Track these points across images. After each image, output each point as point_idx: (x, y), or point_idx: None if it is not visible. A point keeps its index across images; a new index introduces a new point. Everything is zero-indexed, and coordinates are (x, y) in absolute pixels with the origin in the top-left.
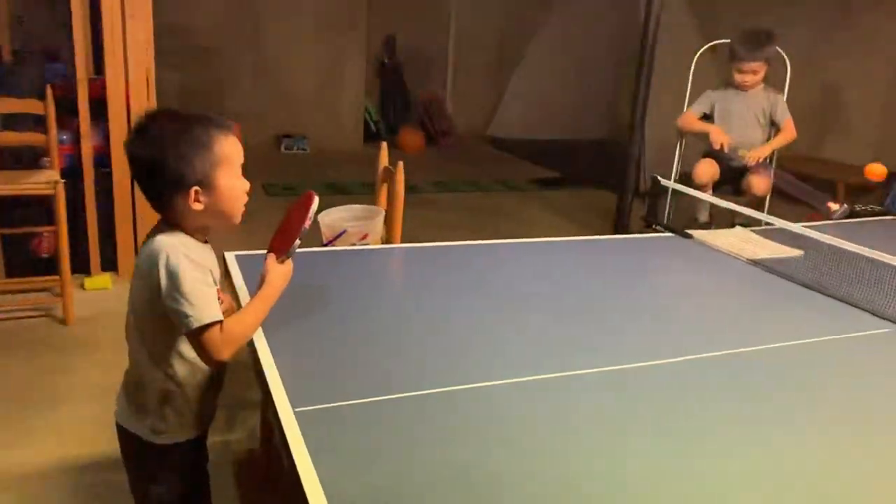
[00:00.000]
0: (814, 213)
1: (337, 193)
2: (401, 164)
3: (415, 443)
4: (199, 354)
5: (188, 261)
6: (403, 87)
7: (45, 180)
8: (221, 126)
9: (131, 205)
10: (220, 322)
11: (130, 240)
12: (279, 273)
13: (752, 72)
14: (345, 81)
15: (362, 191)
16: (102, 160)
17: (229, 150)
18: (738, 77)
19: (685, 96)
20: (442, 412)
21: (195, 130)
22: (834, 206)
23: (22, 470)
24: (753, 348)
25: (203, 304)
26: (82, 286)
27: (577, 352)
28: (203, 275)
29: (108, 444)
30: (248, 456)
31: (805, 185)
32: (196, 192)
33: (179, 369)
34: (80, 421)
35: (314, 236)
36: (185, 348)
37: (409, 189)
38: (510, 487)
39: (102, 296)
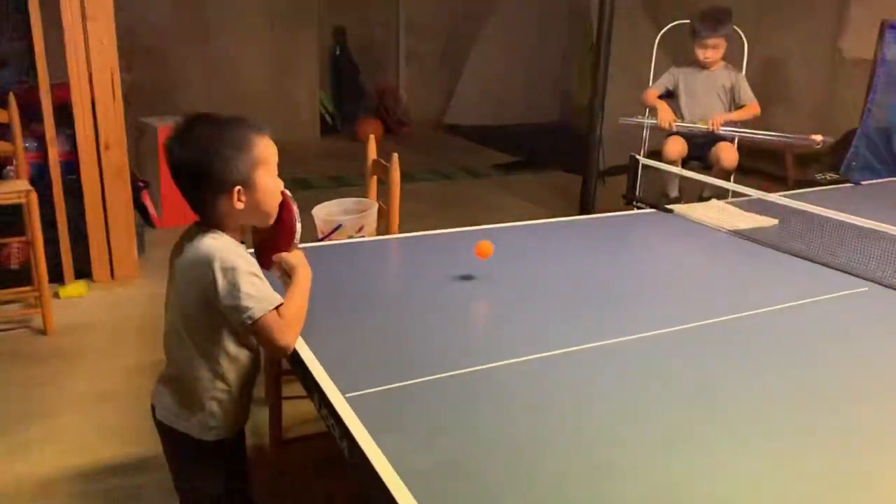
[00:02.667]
0: (766, 184)
1: (304, 188)
2: (395, 155)
3: (467, 417)
4: (265, 345)
5: (241, 259)
6: (357, 78)
7: (15, 190)
8: (257, 127)
9: (102, 211)
10: (279, 306)
11: (104, 246)
12: (303, 261)
13: (714, 47)
14: (298, 75)
15: (327, 184)
16: (68, 167)
17: (266, 151)
18: (700, 53)
19: (639, 77)
20: (485, 388)
21: (235, 132)
22: (818, 138)
23: (22, 482)
24: (749, 313)
25: (262, 295)
26: (56, 295)
27: (595, 325)
28: (256, 270)
29: (107, 452)
30: (258, 451)
31: (778, 133)
32: (238, 191)
33: (226, 366)
34: (76, 430)
35: (308, 232)
36: (231, 346)
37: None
38: (558, 452)
39: (78, 304)
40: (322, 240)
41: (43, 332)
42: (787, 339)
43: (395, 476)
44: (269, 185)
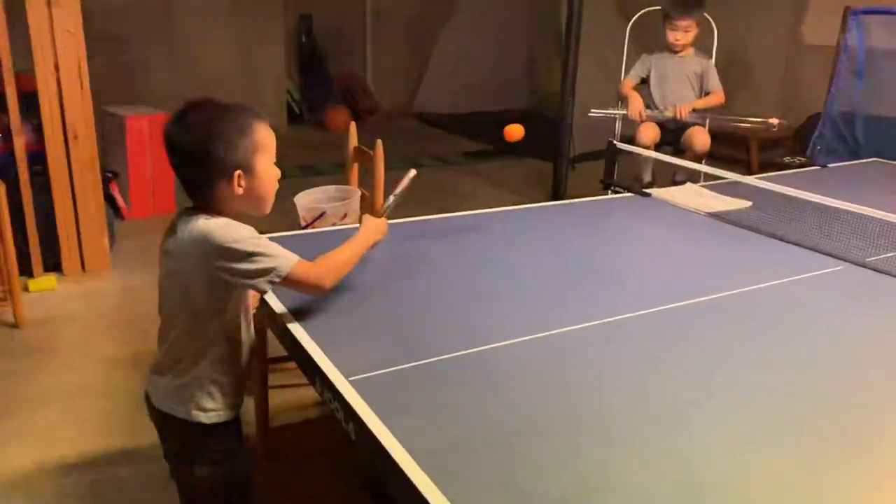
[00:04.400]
0: (731, 168)
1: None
2: (379, 142)
3: (470, 397)
4: (304, 290)
5: (243, 228)
6: (323, 66)
7: None
8: (257, 113)
9: (72, 202)
10: (300, 259)
11: (74, 237)
12: (370, 224)
13: (685, 29)
14: (264, 63)
15: (298, 173)
16: (35, 158)
17: (266, 136)
18: (671, 35)
19: (607, 65)
20: (484, 369)
21: (236, 116)
22: (774, 121)
23: (4, 476)
24: (732, 292)
25: (278, 252)
26: (26, 288)
27: (585, 307)
28: (258, 234)
29: (89, 445)
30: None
31: (739, 117)
32: (239, 175)
33: (227, 349)
34: (57, 423)
35: (291, 220)
36: (232, 328)
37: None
38: (560, 429)
39: (49, 297)
40: (306, 227)
41: (14, 325)
42: (772, 318)
43: (407, 455)
44: (268, 171)
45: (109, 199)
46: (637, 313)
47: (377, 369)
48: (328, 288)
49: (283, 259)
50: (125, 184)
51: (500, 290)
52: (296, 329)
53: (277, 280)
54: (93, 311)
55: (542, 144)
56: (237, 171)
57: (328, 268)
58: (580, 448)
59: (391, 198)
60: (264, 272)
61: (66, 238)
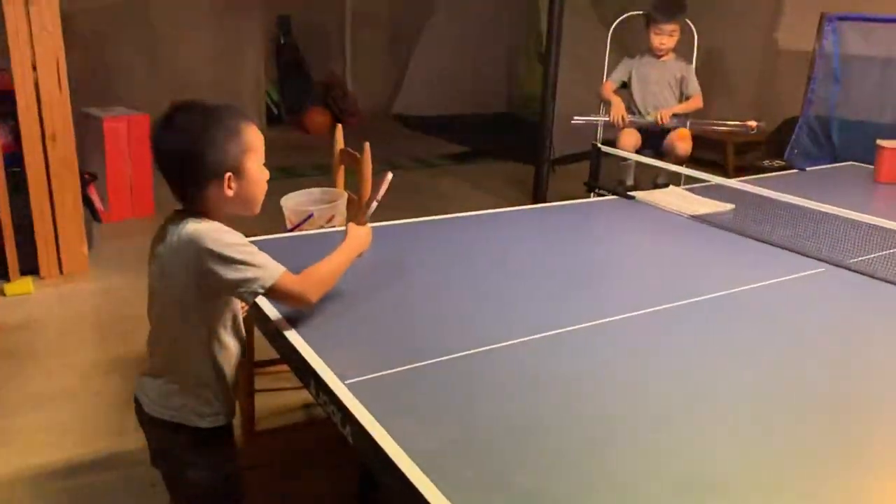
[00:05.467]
0: (708, 171)
1: None
2: (367, 145)
3: (466, 398)
4: (288, 302)
5: (231, 234)
6: (302, 67)
7: None
8: (245, 115)
9: (49, 204)
10: (286, 271)
11: (51, 240)
12: (357, 234)
13: (670, 34)
14: (243, 64)
15: (277, 175)
16: (12, 159)
17: (255, 138)
18: (656, 40)
19: (587, 69)
20: (478, 370)
21: (225, 118)
22: (752, 124)
23: None
24: (721, 293)
25: (265, 262)
26: (2, 292)
27: (577, 308)
28: (248, 241)
29: (71, 451)
30: None
31: (719, 122)
32: (229, 177)
33: (218, 352)
34: (35, 431)
35: (277, 223)
36: (223, 332)
37: (329, 170)
38: (557, 429)
39: (26, 301)
40: (292, 230)
41: None
42: (761, 319)
43: (406, 457)
44: (258, 174)
45: (87, 202)
46: (631, 314)
47: (373, 372)
48: (314, 302)
49: (269, 270)
50: (103, 186)
51: (491, 292)
52: (289, 332)
53: (261, 291)
54: (71, 315)
55: (522, 147)
56: (227, 174)
57: (314, 281)
58: (580, 448)
59: (373, 204)
60: (247, 282)
61: (44, 241)
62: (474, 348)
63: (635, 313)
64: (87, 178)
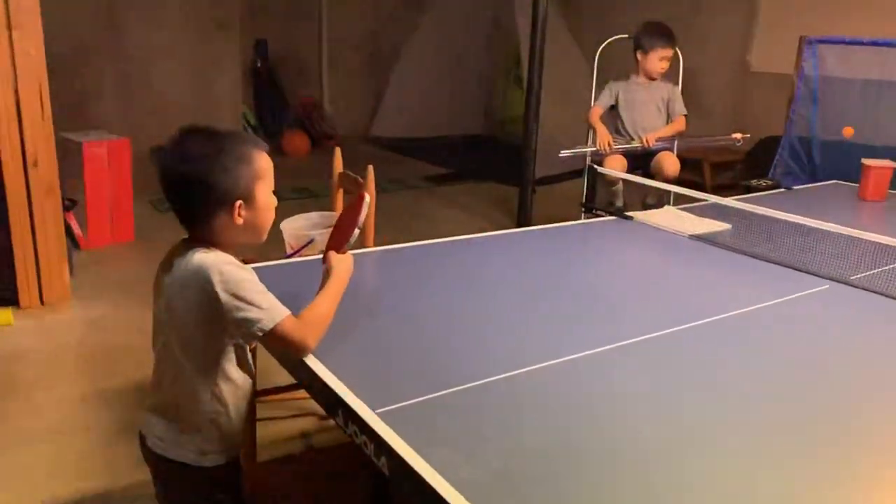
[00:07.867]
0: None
1: None
2: (370, 168)
3: (505, 425)
4: (286, 349)
5: (241, 270)
6: (279, 90)
7: None
8: (256, 142)
9: (30, 231)
10: (289, 315)
11: (32, 270)
12: (344, 265)
13: (668, 59)
14: (219, 87)
15: None
16: None
17: (265, 165)
18: (658, 65)
19: (566, 91)
20: (509, 395)
21: (235, 145)
22: (737, 136)
23: None
24: (732, 313)
25: (269, 304)
26: None
27: (596, 330)
28: (257, 280)
29: (63, 489)
30: None
31: (705, 137)
32: (239, 206)
33: (225, 388)
34: (26, 468)
35: (277, 248)
36: (230, 367)
37: (309, 194)
38: (596, 452)
39: (6, 333)
40: (291, 256)
41: None
42: (773, 339)
43: (451, 488)
44: (267, 201)
45: (66, 229)
46: (649, 336)
47: (403, 400)
48: (313, 349)
49: (271, 312)
50: (82, 212)
51: (502, 315)
52: (312, 361)
53: (260, 334)
54: (55, 347)
55: (501, 169)
56: (238, 202)
57: (314, 325)
58: (618, 474)
59: (356, 231)
60: (247, 322)
61: (24, 270)
62: (496, 375)
63: (654, 334)
64: (68, 204)
